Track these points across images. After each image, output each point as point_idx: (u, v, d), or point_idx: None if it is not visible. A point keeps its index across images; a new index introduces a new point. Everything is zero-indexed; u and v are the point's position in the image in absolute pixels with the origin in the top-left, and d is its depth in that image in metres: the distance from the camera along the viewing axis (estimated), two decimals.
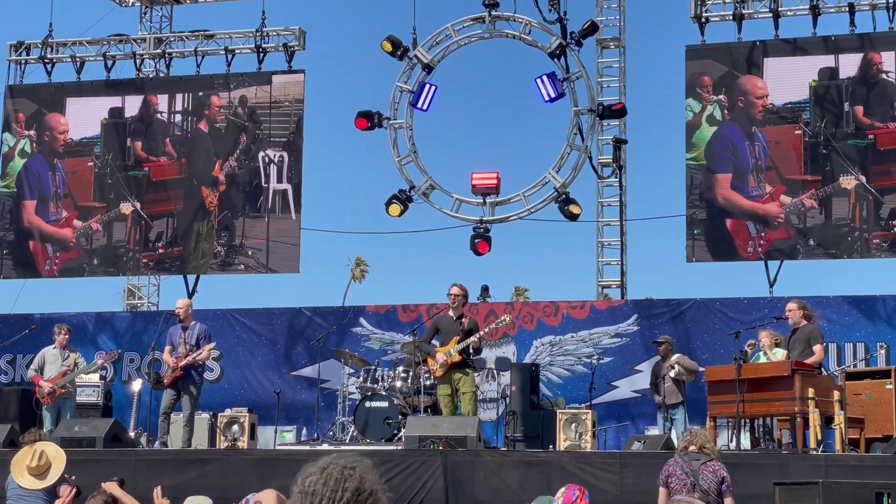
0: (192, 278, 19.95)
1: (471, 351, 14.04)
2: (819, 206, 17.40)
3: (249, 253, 19.45)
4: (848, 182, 17.30)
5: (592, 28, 17.82)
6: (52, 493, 9.92)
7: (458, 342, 13.81)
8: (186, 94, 20.23)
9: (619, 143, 19.04)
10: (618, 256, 20.05)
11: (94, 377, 17.09)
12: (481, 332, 14.09)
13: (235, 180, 19.66)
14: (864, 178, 17.24)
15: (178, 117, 20.22)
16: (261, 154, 19.60)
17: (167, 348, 14.69)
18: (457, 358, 13.79)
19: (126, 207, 20.02)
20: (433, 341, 14.19)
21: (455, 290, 14.22)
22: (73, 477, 9.99)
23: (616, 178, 19.77)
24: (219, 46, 20.33)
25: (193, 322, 14.86)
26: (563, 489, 8.04)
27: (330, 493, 3.25)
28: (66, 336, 15.41)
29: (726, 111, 17.88)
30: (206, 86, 20.11)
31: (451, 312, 14.25)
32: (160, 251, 19.89)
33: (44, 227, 20.19)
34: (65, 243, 20.11)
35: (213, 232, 19.61)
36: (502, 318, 14.61)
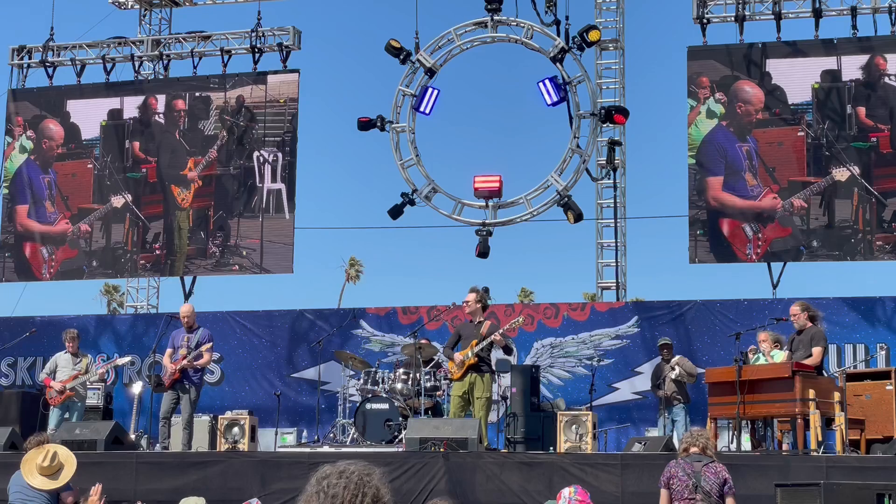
0: (188, 280, 19.94)
1: (490, 354, 13.99)
2: (821, 206, 17.39)
3: (244, 253, 19.45)
4: (841, 174, 17.29)
5: (596, 36, 17.72)
6: (55, 497, 9.90)
7: (476, 345, 13.78)
8: (184, 96, 20.24)
9: (613, 145, 19.02)
10: (616, 258, 20.03)
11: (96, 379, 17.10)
12: (502, 329, 14.05)
13: (230, 181, 19.66)
14: (857, 170, 17.23)
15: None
16: (255, 154, 19.61)
17: (168, 351, 14.68)
18: (473, 360, 13.76)
19: (117, 201, 20.01)
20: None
21: (467, 298, 14.22)
22: (77, 489, 9.98)
23: (611, 179, 19.75)
24: (215, 47, 20.37)
25: (198, 327, 14.87)
26: (571, 489, 7.98)
27: (351, 497, 3.33)
28: (73, 343, 15.44)
29: (723, 108, 17.88)
30: (203, 87, 20.14)
31: (471, 319, 14.24)
32: (157, 252, 19.89)
33: (37, 229, 20.17)
34: (60, 241, 20.09)
35: (187, 231, 19.62)
36: (516, 319, 14.58)
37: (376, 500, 3.35)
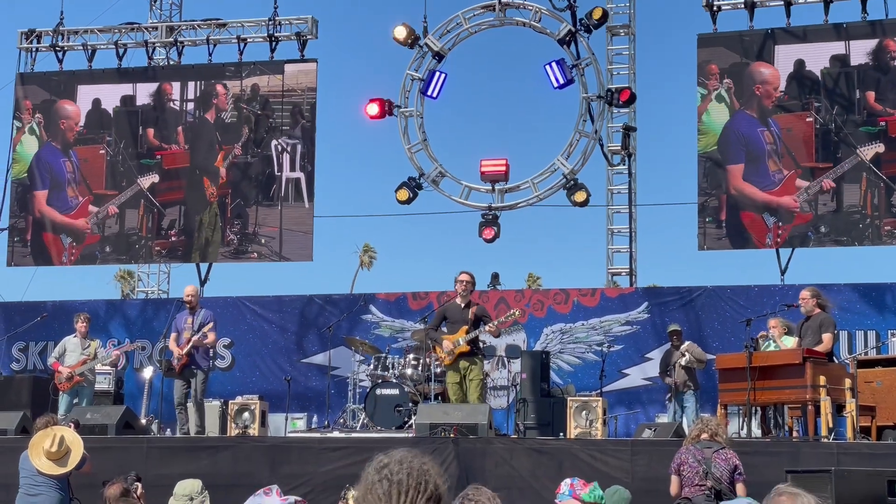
0: (204, 266, 19.94)
1: (481, 341, 14.06)
2: (832, 190, 17.31)
3: (263, 241, 19.46)
4: (866, 153, 17.16)
5: (603, 17, 17.79)
6: (64, 481, 9.92)
7: (468, 332, 13.78)
8: (198, 83, 20.20)
9: (628, 131, 19.02)
10: (627, 244, 20.02)
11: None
12: (496, 322, 14.05)
13: (247, 169, 19.66)
14: (882, 148, 17.12)
15: (191, 105, 20.20)
16: (273, 142, 19.60)
17: (173, 335, 14.72)
18: (465, 348, 13.78)
19: (144, 182, 19.98)
20: (441, 328, 14.19)
21: (464, 277, 14.15)
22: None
23: (625, 165, 19.74)
24: (231, 35, 20.27)
25: (200, 308, 14.91)
26: (569, 479, 7.97)
27: (416, 484, 3.37)
28: (85, 325, 15.45)
29: (735, 98, 17.81)
30: (218, 74, 20.09)
31: (458, 300, 14.20)
32: (172, 239, 19.90)
33: (56, 218, 20.17)
34: (80, 233, 20.10)
35: (216, 219, 19.60)
36: (512, 311, 14.55)
37: (437, 487, 3.38)
